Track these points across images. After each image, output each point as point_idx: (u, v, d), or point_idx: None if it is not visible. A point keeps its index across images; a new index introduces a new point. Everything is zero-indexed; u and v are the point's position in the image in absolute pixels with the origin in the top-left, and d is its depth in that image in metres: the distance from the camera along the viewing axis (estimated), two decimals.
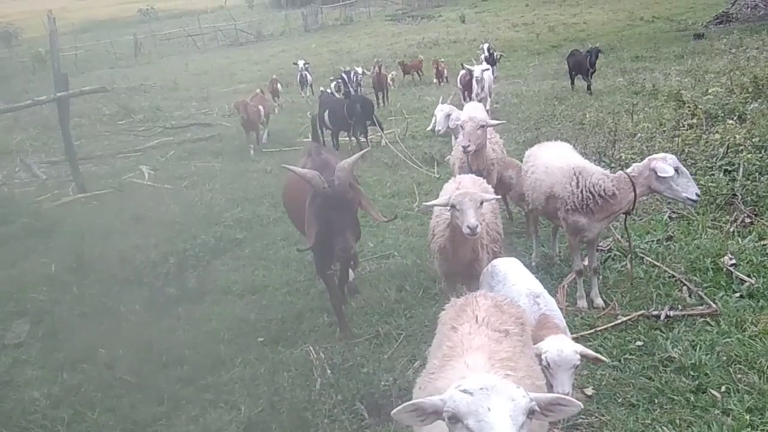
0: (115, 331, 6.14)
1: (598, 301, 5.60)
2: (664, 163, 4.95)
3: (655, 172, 4.96)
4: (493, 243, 5.34)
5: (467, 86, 15.09)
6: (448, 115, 9.35)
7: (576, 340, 4.67)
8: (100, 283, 7.24)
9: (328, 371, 5.03)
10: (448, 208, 4.56)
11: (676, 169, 4.93)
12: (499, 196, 5.69)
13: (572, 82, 15.56)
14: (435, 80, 20.21)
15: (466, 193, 4.51)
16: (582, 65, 14.89)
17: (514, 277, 4.16)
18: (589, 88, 14.76)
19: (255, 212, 9.30)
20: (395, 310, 6.00)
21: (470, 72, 14.20)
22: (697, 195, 4.97)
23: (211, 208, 9.73)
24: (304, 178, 4.87)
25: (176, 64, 35.52)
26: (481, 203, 4.54)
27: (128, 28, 50.18)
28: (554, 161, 5.66)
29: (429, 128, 9.98)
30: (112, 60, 40.46)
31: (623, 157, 8.52)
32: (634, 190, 5.09)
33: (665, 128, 9.84)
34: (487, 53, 17.37)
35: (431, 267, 5.98)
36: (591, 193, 5.24)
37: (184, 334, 5.99)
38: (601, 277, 5.90)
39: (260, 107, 13.92)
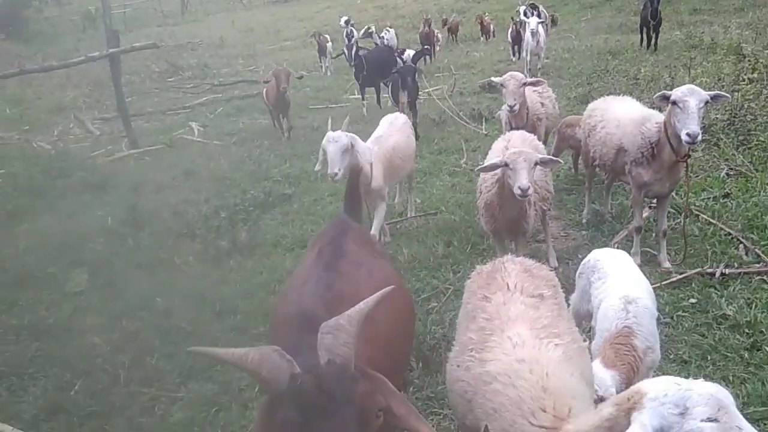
0: (170, 282, 6.32)
1: (666, 265, 5.44)
2: (676, 90, 4.71)
3: (669, 102, 4.72)
4: (543, 201, 5.31)
5: (516, 40, 14.77)
6: (347, 150, 5.69)
7: None
8: (155, 235, 7.43)
9: None
10: (501, 167, 4.54)
11: (675, 101, 4.64)
12: (559, 159, 5.56)
13: (642, 38, 14.44)
14: (481, 36, 19.76)
15: (521, 152, 4.46)
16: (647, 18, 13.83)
17: (614, 276, 3.69)
18: (649, 44, 14.00)
19: (303, 168, 9.37)
20: (443, 264, 6.02)
21: (522, 24, 13.88)
22: (688, 135, 4.53)
23: (259, 164, 9.84)
24: (243, 368, 2.02)
25: (222, 21, 35.59)
26: (536, 164, 4.49)
27: None
28: (626, 114, 5.53)
29: (317, 168, 6.15)
30: (159, 18, 40.72)
31: None
32: (666, 132, 4.92)
33: (724, 83, 9.49)
34: (524, 17, 16.62)
35: (479, 223, 5.96)
36: (646, 141, 5.13)
37: (237, 286, 6.13)
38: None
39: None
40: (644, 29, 14.13)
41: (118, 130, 12.52)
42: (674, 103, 4.66)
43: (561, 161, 5.89)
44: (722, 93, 4.82)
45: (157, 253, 6.98)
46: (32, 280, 6.67)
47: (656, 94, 4.93)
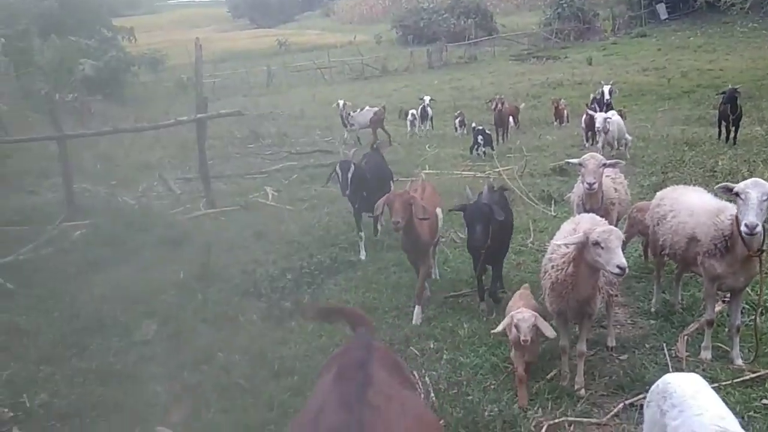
0: (233, 338, 6.48)
1: (739, 362, 5.25)
2: (744, 184, 4.69)
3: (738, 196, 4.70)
4: (609, 285, 5.24)
5: (590, 126, 14.79)
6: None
7: None
8: (223, 292, 7.67)
9: (432, 395, 5.06)
10: (587, 243, 4.53)
11: (737, 193, 4.65)
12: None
13: (720, 131, 14.05)
14: (555, 121, 19.84)
15: (612, 230, 4.47)
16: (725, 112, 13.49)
17: (697, 404, 3.17)
18: (728, 137, 13.63)
19: (370, 237, 9.51)
20: (503, 342, 5.93)
21: (592, 116, 14.01)
22: (746, 226, 4.55)
23: (327, 230, 10.05)
24: None
25: (304, 94, 37.08)
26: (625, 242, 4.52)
27: (263, 60, 52.99)
28: (700, 204, 5.47)
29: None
30: (246, 88, 42.83)
31: None
32: (737, 224, 4.80)
33: None
34: (608, 96, 16.65)
35: (543, 304, 5.90)
36: (719, 233, 5.03)
37: (296, 347, 6.22)
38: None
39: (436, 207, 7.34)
40: (722, 123, 13.90)
41: (198, 191, 13.09)
42: (737, 194, 4.63)
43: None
44: None
45: (224, 309, 7.19)
46: (104, 327, 6.95)
47: (718, 185, 4.90)
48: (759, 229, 4.52)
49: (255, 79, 45.38)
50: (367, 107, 19.88)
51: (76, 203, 11.72)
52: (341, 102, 19.67)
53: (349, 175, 8.46)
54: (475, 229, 6.34)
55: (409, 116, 20.55)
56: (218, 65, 50.12)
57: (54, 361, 6.22)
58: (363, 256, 8.78)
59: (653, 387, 3.53)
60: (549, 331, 5.15)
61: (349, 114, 19.39)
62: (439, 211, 7.37)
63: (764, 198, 4.53)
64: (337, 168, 8.61)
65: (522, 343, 5.04)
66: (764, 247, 4.87)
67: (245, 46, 67.30)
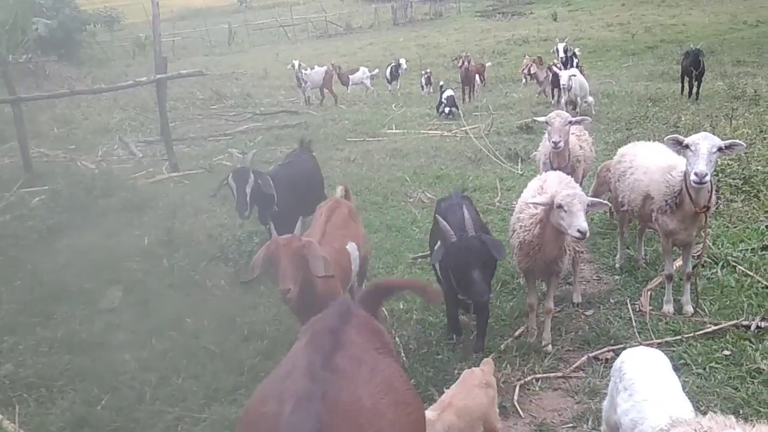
0: (201, 303, 6.42)
1: (688, 309, 5.41)
2: (694, 137, 4.75)
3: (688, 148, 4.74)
4: (576, 243, 5.28)
5: (555, 84, 14.82)
6: None
7: (660, 346, 4.59)
8: (189, 257, 7.54)
9: (403, 355, 5.10)
10: (552, 206, 4.54)
11: (687, 145, 4.67)
12: (607, 203, 5.70)
13: (683, 87, 14.20)
14: (523, 78, 19.73)
15: (575, 194, 4.47)
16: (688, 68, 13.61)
17: (647, 387, 3.06)
18: (691, 93, 13.81)
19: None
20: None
21: (556, 74, 14.10)
22: (696, 175, 4.57)
23: None
24: None
25: (267, 53, 36.39)
26: (589, 205, 4.52)
27: (223, 17, 51.79)
28: (654, 161, 5.52)
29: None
30: (206, 48, 41.85)
31: (719, 163, 8.20)
32: (686, 182, 4.88)
33: (766, 135, 9.38)
34: (563, 54, 16.68)
35: (511, 262, 5.95)
36: (670, 190, 5.11)
37: (265, 311, 6.20)
38: (696, 285, 5.65)
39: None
40: (685, 78, 14.03)
41: (160, 154, 12.82)
42: (687, 146, 4.69)
43: (608, 204, 5.97)
44: (738, 141, 4.84)
45: (190, 274, 7.09)
46: (68, 294, 6.81)
47: (667, 137, 4.95)
48: (707, 178, 4.60)
49: (216, 38, 44.34)
50: (317, 66, 19.69)
51: (34, 169, 11.39)
52: (296, 62, 19.41)
53: (248, 190, 6.27)
54: (472, 277, 4.43)
55: (361, 74, 20.46)
56: (177, 23, 48.80)
57: (18, 331, 6.08)
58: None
59: (616, 361, 3.47)
60: None
61: (303, 73, 19.21)
62: (352, 247, 5.13)
63: (713, 150, 4.61)
64: (230, 179, 6.38)
65: None
66: (709, 204, 4.97)
67: (205, 3, 65.49)
